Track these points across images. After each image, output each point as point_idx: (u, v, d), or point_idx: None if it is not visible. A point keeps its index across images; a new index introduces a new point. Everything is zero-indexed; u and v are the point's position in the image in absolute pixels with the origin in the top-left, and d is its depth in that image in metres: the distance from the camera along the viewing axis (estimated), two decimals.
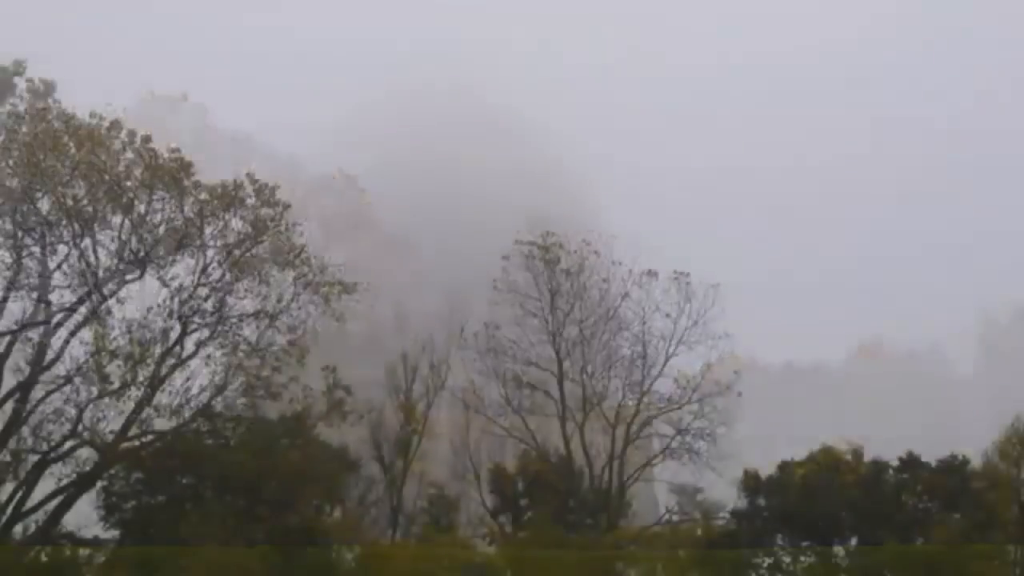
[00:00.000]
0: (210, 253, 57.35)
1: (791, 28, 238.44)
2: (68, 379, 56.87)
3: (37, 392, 56.68)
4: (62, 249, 56.58)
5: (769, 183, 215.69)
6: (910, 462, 59.97)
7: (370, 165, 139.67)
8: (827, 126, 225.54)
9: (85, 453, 57.55)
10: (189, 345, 57.91)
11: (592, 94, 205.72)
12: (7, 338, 56.59)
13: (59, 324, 56.77)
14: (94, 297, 56.89)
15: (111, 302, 57.24)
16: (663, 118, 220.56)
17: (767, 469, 61.55)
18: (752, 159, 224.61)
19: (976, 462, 59.54)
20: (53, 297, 56.64)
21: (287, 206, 57.78)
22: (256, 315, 59.00)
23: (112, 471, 58.02)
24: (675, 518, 70.17)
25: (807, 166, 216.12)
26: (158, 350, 57.43)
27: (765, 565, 59.71)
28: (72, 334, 56.95)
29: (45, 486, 57.32)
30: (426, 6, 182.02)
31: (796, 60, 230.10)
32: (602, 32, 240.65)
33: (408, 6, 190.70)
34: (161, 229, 56.51)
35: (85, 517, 58.49)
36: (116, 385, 57.21)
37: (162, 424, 58.32)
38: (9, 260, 56.42)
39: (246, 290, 58.06)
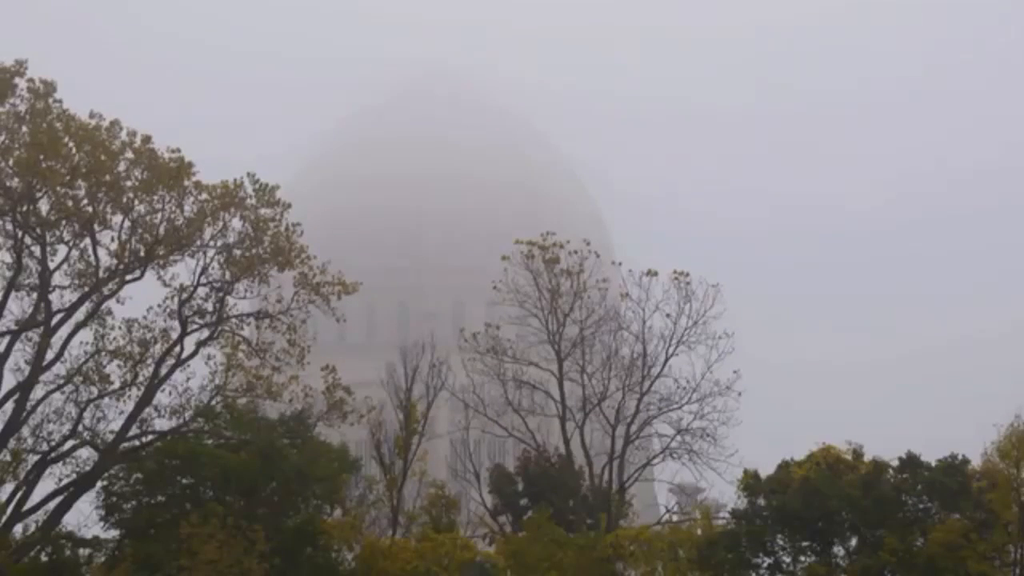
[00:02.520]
0: (210, 253, 57.46)
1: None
2: (68, 379, 56.96)
3: (37, 392, 56.76)
4: (62, 249, 56.70)
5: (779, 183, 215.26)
6: (910, 462, 59.83)
7: (370, 167, 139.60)
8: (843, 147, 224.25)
9: (85, 453, 57.68)
10: (189, 345, 58.04)
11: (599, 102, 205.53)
12: (7, 338, 56.63)
13: (59, 324, 56.84)
14: (94, 297, 56.97)
15: (111, 302, 57.39)
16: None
17: (767, 469, 61.46)
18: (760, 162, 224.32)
19: (976, 462, 59.43)
20: (53, 297, 56.75)
21: (287, 206, 57.83)
22: (256, 315, 59.12)
23: (112, 471, 58.05)
24: (675, 518, 70.11)
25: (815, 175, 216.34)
26: (158, 350, 57.54)
27: (765, 565, 59.66)
28: (72, 334, 57.03)
29: (45, 486, 57.43)
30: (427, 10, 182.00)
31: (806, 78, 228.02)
32: (603, 37, 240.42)
33: (409, 10, 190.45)
34: (161, 229, 56.57)
35: (85, 517, 58.60)
36: (116, 385, 57.32)
37: (162, 424, 58.47)
38: (9, 260, 56.55)
39: (246, 290, 58.15)
